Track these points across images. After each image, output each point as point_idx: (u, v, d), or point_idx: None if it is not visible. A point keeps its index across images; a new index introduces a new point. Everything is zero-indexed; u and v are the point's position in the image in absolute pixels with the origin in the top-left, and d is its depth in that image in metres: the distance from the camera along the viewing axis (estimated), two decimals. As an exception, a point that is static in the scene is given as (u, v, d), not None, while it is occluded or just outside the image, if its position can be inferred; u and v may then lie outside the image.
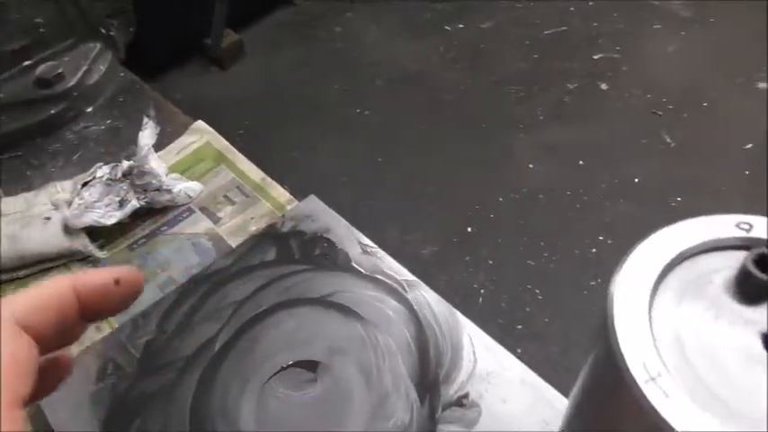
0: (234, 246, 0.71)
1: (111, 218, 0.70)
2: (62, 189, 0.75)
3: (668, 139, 2.01)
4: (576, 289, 1.63)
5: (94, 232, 0.72)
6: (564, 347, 1.53)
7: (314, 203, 0.72)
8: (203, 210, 0.76)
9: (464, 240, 1.79)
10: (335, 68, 2.40)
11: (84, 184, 0.73)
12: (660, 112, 2.09)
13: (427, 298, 0.63)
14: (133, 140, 0.76)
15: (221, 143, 0.83)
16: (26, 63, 0.85)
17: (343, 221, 0.70)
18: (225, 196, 0.77)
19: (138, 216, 0.74)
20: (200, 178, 0.79)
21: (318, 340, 0.59)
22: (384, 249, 0.67)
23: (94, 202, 0.70)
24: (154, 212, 0.75)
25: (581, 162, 1.97)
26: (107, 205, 0.71)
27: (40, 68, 0.85)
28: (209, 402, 0.56)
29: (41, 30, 0.84)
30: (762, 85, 2.13)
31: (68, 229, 0.69)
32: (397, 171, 1.99)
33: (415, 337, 0.60)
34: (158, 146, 0.80)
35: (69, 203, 0.71)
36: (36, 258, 0.69)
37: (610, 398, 0.30)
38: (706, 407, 0.26)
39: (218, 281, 0.66)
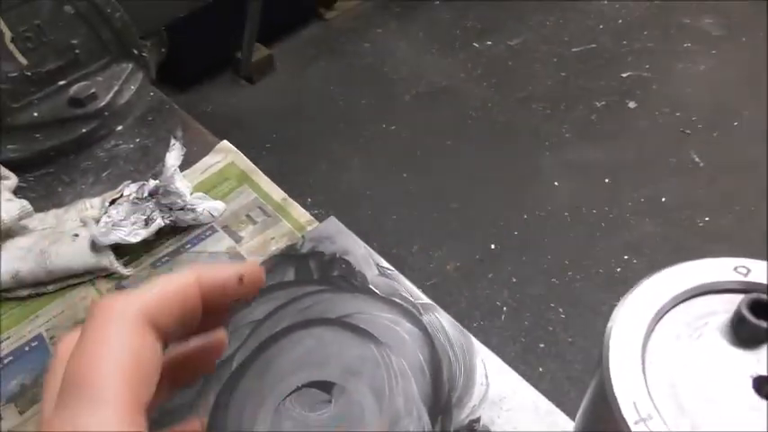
0: (254, 265, 0.72)
1: (137, 236, 0.72)
2: (91, 206, 0.77)
3: (696, 158, 1.99)
4: (599, 308, 1.62)
5: (120, 249, 0.74)
6: (586, 367, 1.51)
7: (334, 225, 0.74)
8: (225, 229, 0.78)
9: (488, 257, 1.79)
10: (364, 83, 2.42)
11: (112, 202, 0.75)
12: (689, 131, 2.07)
13: (442, 321, 0.63)
14: (161, 158, 0.78)
15: (245, 163, 0.85)
16: (61, 83, 0.87)
17: (362, 243, 0.71)
18: (247, 216, 0.79)
19: (163, 234, 0.76)
20: (224, 197, 0.81)
21: (334, 361, 0.61)
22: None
23: (121, 220, 0.73)
24: (177, 230, 0.77)
25: (607, 180, 1.96)
26: (133, 223, 0.73)
27: (74, 88, 0.88)
28: (225, 421, 0.58)
29: (76, 51, 0.87)
30: (793, 104, 2.10)
31: (95, 246, 0.71)
32: (423, 186, 2.00)
33: (429, 360, 0.60)
34: (184, 164, 0.82)
35: (97, 221, 0.73)
36: (64, 274, 0.71)
37: (604, 434, 0.31)
38: (694, 451, 0.26)
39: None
